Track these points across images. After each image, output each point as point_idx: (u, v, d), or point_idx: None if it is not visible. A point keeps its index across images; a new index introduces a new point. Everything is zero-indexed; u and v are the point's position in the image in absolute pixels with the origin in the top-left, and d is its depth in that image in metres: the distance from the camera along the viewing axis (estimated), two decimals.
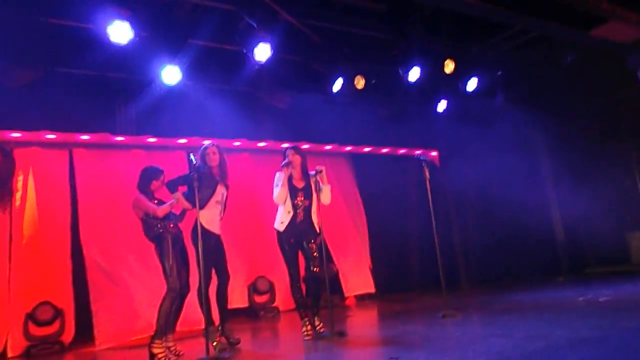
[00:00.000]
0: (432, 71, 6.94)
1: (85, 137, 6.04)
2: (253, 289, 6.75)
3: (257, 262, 7.00)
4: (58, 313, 5.47)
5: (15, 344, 5.28)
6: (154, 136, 6.43)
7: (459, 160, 8.04)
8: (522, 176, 8.01)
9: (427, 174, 5.15)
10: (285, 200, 4.43)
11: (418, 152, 8.12)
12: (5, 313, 5.35)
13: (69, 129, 5.93)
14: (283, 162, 4.47)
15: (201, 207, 4.12)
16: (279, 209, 4.53)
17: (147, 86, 6.17)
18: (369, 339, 4.44)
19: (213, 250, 4.31)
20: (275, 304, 6.84)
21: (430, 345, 3.55)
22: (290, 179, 4.49)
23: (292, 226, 4.39)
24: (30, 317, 5.34)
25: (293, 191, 4.44)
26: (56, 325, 5.44)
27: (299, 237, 4.41)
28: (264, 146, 7.43)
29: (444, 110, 7.66)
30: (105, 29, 5.13)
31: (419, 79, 6.80)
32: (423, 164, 5.17)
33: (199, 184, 4.08)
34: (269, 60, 6.13)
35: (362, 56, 7.05)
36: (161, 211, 4.21)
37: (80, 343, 5.54)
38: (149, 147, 6.56)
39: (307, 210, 4.44)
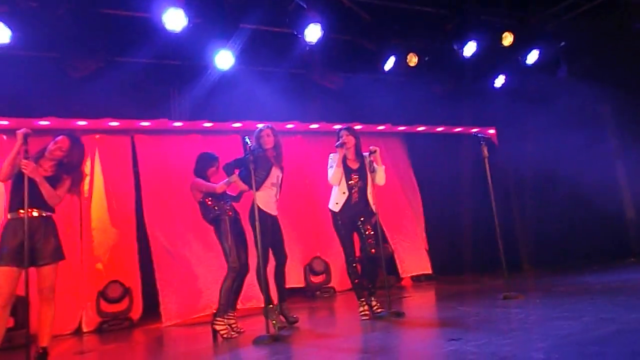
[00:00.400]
0: (489, 45, 6.67)
1: (145, 123, 6.27)
2: (309, 269, 6.84)
3: (313, 243, 7.08)
4: (126, 291, 5.78)
5: (89, 320, 5.65)
6: (209, 121, 6.57)
7: (518, 138, 7.72)
8: (586, 153, 7.57)
9: (485, 152, 4.97)
10: (340, 181, 4.42)
11: (475, 130, 7.86)
12: (79, 291, 5.72)
13: (130, 116, 6.16)
14: (337, 143, 4.44)
15: (257, 189, 4.19)
16: (333, 190, 4.52)
17: (201, 72, 6.32)
18: (427, 320, 4.39)
19: (270, 231, 4.38)
20: (330, 284, 6.91)
21: (492, 328, 3.46)
22: (344, 160, 4.47)
23: (347, 207, 4.38)
24: (102, 294, 5.68)
25: (347, 172, 4.42)
26: (125, 303, 5.76)
27: (354, 218, 4.40)
28: (316, 128, 7.42)
29: (502, 85, 7.35)
30: (160, 17, 5.28)
31: (474, 53, 6.56)
32: (481, 142, 4.99)
33: (255, 166, 4.13)
34: (319, 41, 6.09)
35: (414, 33, 6.86)
36: (219, 188, 4.33)
37: (147, 320, 5.85)
38: (204, 131, 6.72)
39: (362, 191, 4.42)
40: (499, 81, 7.34)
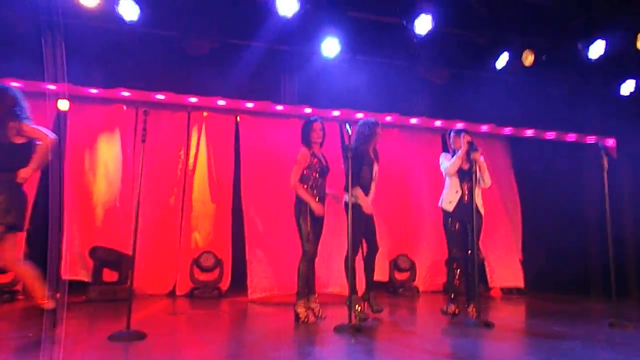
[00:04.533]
0: (620, 46, 6.03)
1: (250, 104, 6.50)
2: (394, 265, 6.73)
3: (401, 239, 6.96)
4: (218, 262, 6.09)
5: (183, 285, 6.04)
6: (310, 106, 6.66)
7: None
8: None
9: (605, 164, 4.55)
10: (453, 178, 4.53)
11: (591, 138, 7.21)
12: (176, 257, 6.12)
13: (237, 97, 6.42)
14: (471, 143, 4.41)
15: (356, 184, 4.30)
16: (445, 189, 4.61)
17: (308, 59, 6.40)
18: (518, 334, 4.12)
19: (364, 223, 4.38)
20: (415, 284, 6.75)
21: (592, 355, 3.14)
22: None
23: (460, 206, 4.47)
24: (196, 262, 6.03)
25: (461, 173, 4.51)
26: (216, 273, 6.07)
27: (464, 218, 4.44)
28: (415, 123, 7.24)
29: (631, 93, 6.63)
30: (274, 2, 5.40)
31: (602, 55, 5.97)
32: (602, 154, 4.57)
33: (356, 162, 4.24)
34: (429, 33, 5.90)
35: (533, 29, 6.40)
36: (295, 184, 4.24)
37: (234, 292, 6.12)
38: (304, 117, 6.81)
39: (472, 192, 4.42)
40: (627, 87, 6.62)
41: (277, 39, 6.13)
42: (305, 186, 4.24)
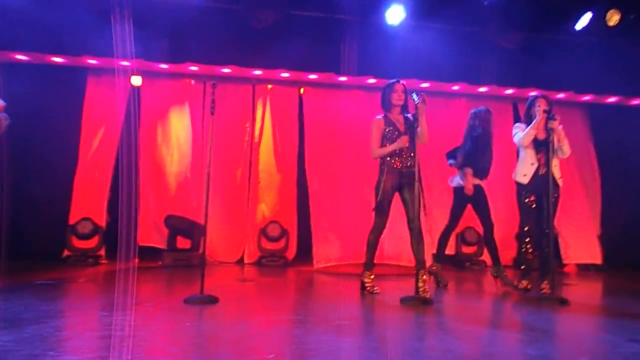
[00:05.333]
0: None
1: (313, 76, 6.47)
2: (461, 239, 6.57)
3: (468, 212, 6.73)
4: (284, 232, 6.23)
5: (251, 253, 6.25)
6: (374, 77, 6.52)
7: None
8: None
9: None
10: (528, 149, 4.36)
11: None
12: (244, 226, 6.33)
13: (301, 68, 6.39)
14: (549, 114, 4.16)
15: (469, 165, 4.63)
16: (520, 160, 4.44)
17: (372, 27, 6.23)
18: (595, 312, 3.91)
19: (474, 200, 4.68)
20: (482, 258, 6.56)
21: None
22: None
23: (535, 179, 4.28)
24: (263, 232, 6.20)
25: (536, 143, 4.30)
26: (282, 243, 6.22)
27: (540, 191, 4.23)
28: (484, 91, 6.91)
29: None
30: None
31: None
32: None
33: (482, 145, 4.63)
34: None
35: None
36: (377, 152, 4.17)
37: (300, 261, 6.25)
38: (368, 87, 6.70)
39: (549, 163, 4.17)
40: None
41: (340, 9, 6.00)
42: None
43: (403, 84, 4.20)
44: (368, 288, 4.15)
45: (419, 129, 3.92)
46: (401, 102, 4.16)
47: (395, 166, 4.09)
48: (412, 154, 4.05)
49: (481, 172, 4.69)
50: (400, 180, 4.09)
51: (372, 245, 4.19)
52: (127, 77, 6.10)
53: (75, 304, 3.70)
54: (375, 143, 4.14)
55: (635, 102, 6.90)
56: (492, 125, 4.75)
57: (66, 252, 5.82)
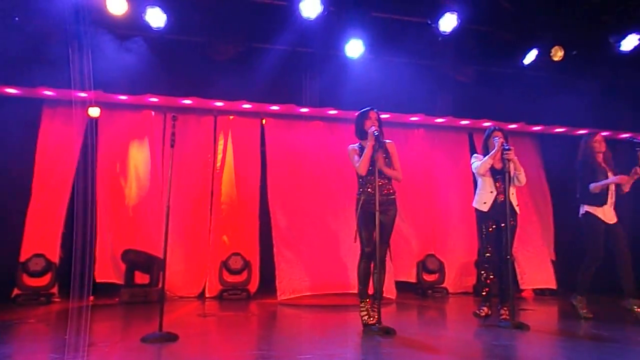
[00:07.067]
0: None
1: (275, 107, 6.53)
2: (422, 267, 6.65)
3: (428, 240, 6.88)
4: (246, 264, 6.14)
5: (212, 287, 6.10)
6: (335, 108, 6.64)
7: None
8: None
9: None
10: (486, 178, 4.47)
11: (626, 135, 7.00)
12: (205, 259, 6.20)
13: (262, 100, 6.45)
14: (501, 143, 4.33)
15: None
16: (479, 189, 4.55)
17: (332, 60, 6.39)
18: (554, 336, 4.01)
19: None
20: (444, 285, 6.66)
21: (635, 358, 3.04)
22: None
23: (495, 206, 4.39)
24: (225, 265, 6.09)
25: (494, 172, 4.44)
26: (244, 275, 6.12)
27: (499, 218, 4.36)
28: (441, 122, 7.16)
29: None
30: (298, 4, 5.43)
31: (634, 48, 5.80)
32: (637, 149, 4.45)
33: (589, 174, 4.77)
34: (454, 31, 5.85)
35: (562, 24, 6.25)
36: (360, 164, 3.95)
37: (263, 293, 6.15)
38: (329, 119, 6.82)
39: (506, 191, 4.34)
40: None
41: (301, 42, 6.15)
42: (361, 181, 4.01)
43: (376, 112, 4.15)
44: (364, 320, 3.94)
45: None
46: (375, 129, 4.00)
47: (370, 192, 3.95)
48: (386, 180, 4.03)
49: (598, 199, 4.80)
50: (375, 207, 3.86)
51: (361, 275, 4.00)
52: (84, 108, 5.97)
53: (24, 347, 3.49)
54: (356, 161, 4.00)
55: (581, 131, 7.28)
56: (594, 150, 4.87)
57: (16, 291, 5.52)
